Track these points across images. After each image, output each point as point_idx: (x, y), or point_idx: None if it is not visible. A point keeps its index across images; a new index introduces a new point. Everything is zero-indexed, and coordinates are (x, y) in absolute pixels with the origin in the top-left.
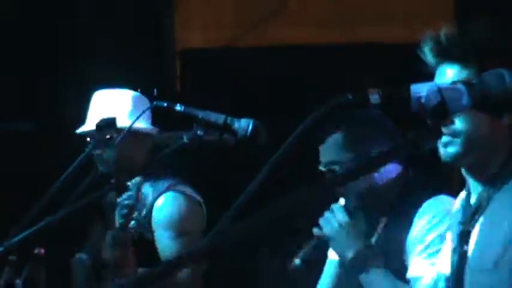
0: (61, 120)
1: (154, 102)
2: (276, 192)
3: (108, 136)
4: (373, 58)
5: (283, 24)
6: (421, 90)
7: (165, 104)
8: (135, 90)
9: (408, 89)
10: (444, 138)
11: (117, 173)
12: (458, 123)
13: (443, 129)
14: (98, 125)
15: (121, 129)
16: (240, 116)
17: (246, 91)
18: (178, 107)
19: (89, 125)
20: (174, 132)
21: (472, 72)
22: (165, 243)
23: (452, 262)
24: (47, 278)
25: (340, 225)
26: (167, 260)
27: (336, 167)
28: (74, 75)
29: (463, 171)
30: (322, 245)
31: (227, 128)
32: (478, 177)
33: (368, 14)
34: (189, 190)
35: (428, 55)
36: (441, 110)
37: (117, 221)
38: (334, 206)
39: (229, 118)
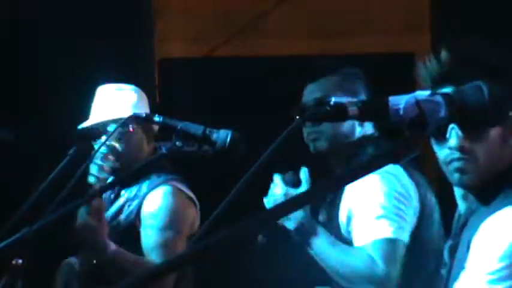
0: (41, 129)
1: (133, 113)
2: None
3: (131, 129)
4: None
5: (262, 35)
6: (399, 102)
7: (144, 115)
8: None
9: (386, 101)
10: (457, 164)
11: (126, 167)
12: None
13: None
14: (128, 118)
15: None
16: (218, 126)
17: (224, 102)
18: (157, 118)
19: (94, 119)
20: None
21: None
22: (148, 233)
23: (444, 276)
24: None
25: (281, 197)
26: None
27: (330, 100)
28: (54, 85)
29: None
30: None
31: (206, 139)
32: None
33: (346, 26)
34: (185, 188)
35: (426, 80)
36: (419, 122)
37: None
38: (274, 177)
39: (207, 129)
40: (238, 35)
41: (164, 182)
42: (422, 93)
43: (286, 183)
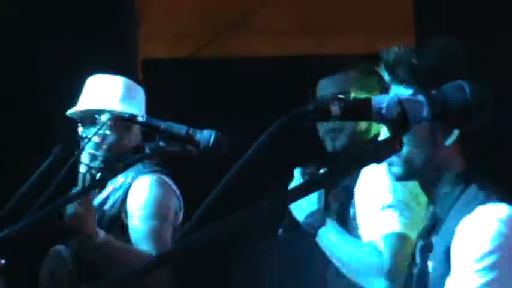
0: (24, 128)
1: (116, 112)
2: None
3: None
4: (336, 69)
5: (246, 35)
6: (381, 101)
7: (127, 115)
8: None
9: (369, 101)
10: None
11: (118, 156)
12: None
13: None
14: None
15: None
16: (202, 126)
17: (208, 102)
18: (140, 118)
19: (81, 106)
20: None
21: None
22: (136, 224)
23: (414, 275)
24: None
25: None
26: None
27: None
28: (35, 85)
29: None
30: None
31: (189, 139)
32: (430, 195)
33: (331, 26)
34: (169, 180)
35: (382, 71)
36: (402, 121)
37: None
38: (295, 171)
39: (191, 129)
40: (222, 35)
41: (149, 172)
42: (405, 93)
43: (307, 176)
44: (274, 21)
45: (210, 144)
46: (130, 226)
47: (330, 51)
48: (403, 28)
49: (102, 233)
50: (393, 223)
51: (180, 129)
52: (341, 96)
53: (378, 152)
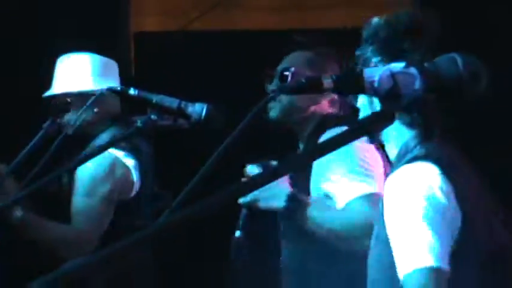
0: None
1: (108, 86)
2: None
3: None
4: (329, 43)
5: (239, 9)
6: (374, 74)
7: (119, 88)
8: None
9: (361, 73)
10: None
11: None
12: None
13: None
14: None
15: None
16: (194, 100)
17: (200, 75)
18: (132, 91)
19: (57, 89)
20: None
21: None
22: (74, 199)
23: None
24: None
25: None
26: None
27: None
28: (33, 56)
29: None
30: (253, 212)
31: (181, 112)
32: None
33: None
34: (121, 153)
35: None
36: (394, 94)
37: None
38: (246, 168)
39: (183, 102)
40: (214, 8)
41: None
42: (397, 65)
43: (262, 167)
44: None
45: (202, 118)
46: (72, 200)
47: (324, 24)
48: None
49: (19, 213)
50: (363, 186)
51: (172, 102)
52: (286, 72)
53: (369, 125)
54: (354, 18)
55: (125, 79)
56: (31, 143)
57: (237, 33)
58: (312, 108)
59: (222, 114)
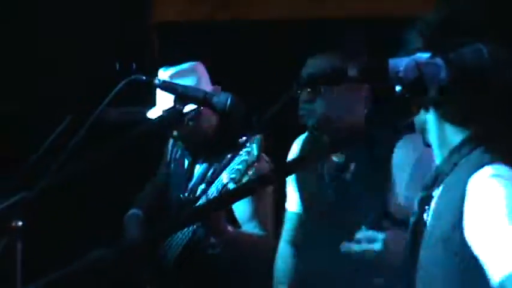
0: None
1: (133, 76)
2: None
3: None
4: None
5: None
6: (399, 64)
7: (144, 78)
8: (114, 64)
9: (386, 63)
10: None
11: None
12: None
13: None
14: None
15: None
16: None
17: (224, 65)
18: (157, 81)
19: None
20: (130, 108)
21: None
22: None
23: (410, 228)
24: (23, 250)
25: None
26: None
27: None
28: (54, 50)
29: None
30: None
31: (206, 102)
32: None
33: None
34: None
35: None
36: (419, 84)
37: (228, 174)
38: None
39: (207, 93)
40: None
41: None
42: (422, 56)
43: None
44: None
45: (227, 108)
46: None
47: (354, 14)
48: None
49: (231, 228)
50: None
51: (197, 92)
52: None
53: (395, 115)
54: (379, 6)
55: (149, 69)
56: (53, 135)
57: (261, 22)
58: (347, 118)
59: (244, 105)
